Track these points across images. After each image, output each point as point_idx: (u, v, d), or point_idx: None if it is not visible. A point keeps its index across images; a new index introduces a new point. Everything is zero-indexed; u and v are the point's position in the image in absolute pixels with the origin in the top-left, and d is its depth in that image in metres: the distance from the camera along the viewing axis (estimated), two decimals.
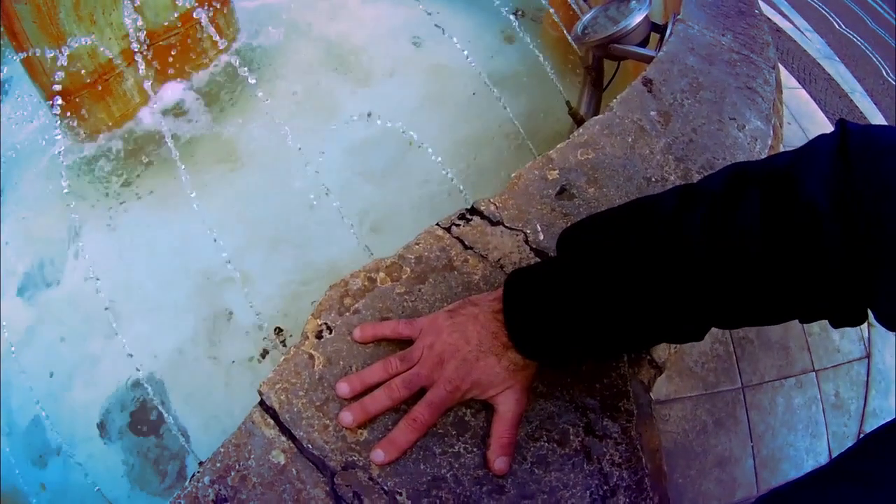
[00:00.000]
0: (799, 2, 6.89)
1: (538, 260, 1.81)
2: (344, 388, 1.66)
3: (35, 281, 3.37)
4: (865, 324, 3.64)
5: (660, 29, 2.85)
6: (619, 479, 1.60)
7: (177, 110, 3.92)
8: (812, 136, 4.08)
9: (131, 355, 2.69)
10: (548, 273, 1.52)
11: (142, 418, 2.96)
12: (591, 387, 1.69)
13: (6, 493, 2.73)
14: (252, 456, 1.62)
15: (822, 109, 5.22)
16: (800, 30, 6.64)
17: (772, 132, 2.35)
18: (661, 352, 1.87)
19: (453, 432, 1.63)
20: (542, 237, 1.90)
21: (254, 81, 3.33)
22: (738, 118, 2.32)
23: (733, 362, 3.31)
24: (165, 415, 2.86)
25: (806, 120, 4.92)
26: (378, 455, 1.58)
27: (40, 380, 3.00)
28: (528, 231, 1.92)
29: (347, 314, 1.79)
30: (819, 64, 6.13)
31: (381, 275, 1.84)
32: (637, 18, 2.77)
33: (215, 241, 2.79)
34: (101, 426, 2.95)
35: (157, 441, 2.98)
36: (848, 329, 3.76)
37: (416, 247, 1.88)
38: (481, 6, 3.90)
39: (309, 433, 1.63)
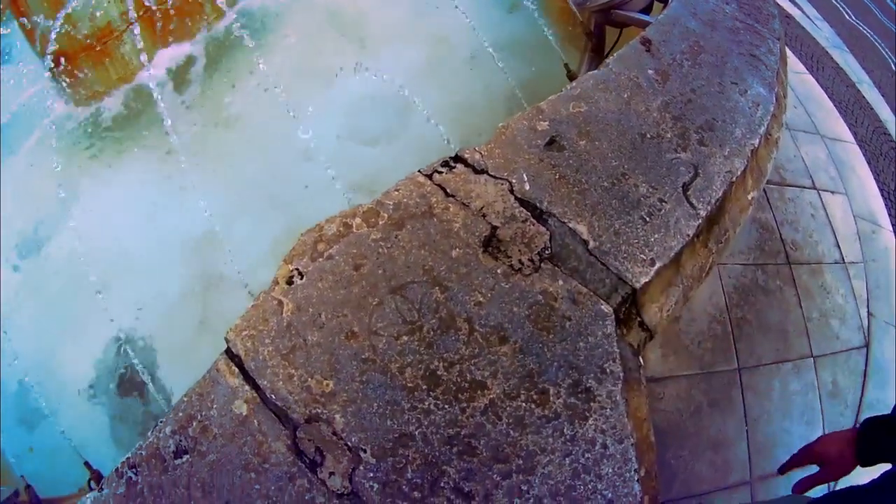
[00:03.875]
0: None
1: (521, 209, 1.65)
2: None
3: (28, 243, 3.28)
4: (865, 311, 3.51)
5: None
6: (602, 446, 1.47)
7: (175, 73, 3.78)
8: (818, 121, 3.94)
9: (112, 320, 2.64)
10: None
11: (128, 381, 2.85)
12: (576, 345, 1.53)
13: None
14: (214, 406, 1.52)
15: (829, 97, 5.07)
16: (809, 17, 6.46)
17: (774, 100, 2.24)
18: (653, 315, 1.72)
19: (423, 386, 1.49)
20: (528, 187, 1.77)
21: (252, 45, 3.18)
22: (740, 83, 2.20)
23: (731, 343, 3.18)
24: (152, 378, 2.75)
25: (813, 105, 4.77)
26: None
27: (28, 343, 2.89)
28: (514, 180, 1.79)
29: (321, 260, 1.67)
30: (827, 52, 5.95)
31: (358, 220, 1.72)
32: None
33: (205, 204, 2.68)
34: (88, 389, 2.87)
35: (143, 404, 2.87)
36: (848, 316, 3.64)
37: (395, 193, 1.76)
38: None
39: (273, 382, 1.52)
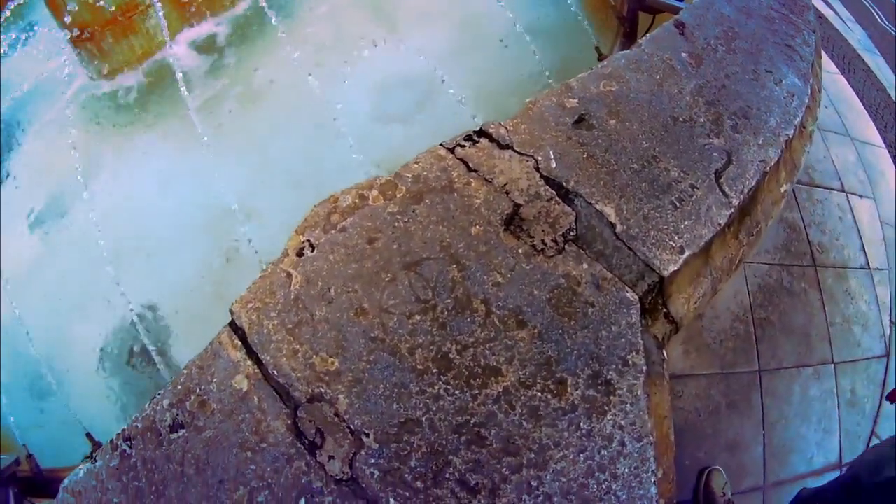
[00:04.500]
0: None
1: (546, 187, 1.52)
2: None
3: (45, 214, 3.19)
4: (888, 321, 3.36)
5: None
6: (620, 443, 1.35)
7: (201, 48, 3.68)
8: (849, 123, 3.77)
9: (126, 294, 2.58)
10: None
11: (140, 355, 2.77)
12: (598, 333, 1.40)
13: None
14: (214, 380, 1.43)
15: (860, 99, 4.88)
16: (842, 19, 6.25)
17: (809, 92, 2.12)
18: (680, 306, 1.60)
19: (434, 370, 1.37)
20: (554, 165, 1.66)
21: (278, 22, 3.06)
22: (775, 72, 2.09)
23: (752, 343, 3.04)
24: (164, 352, 2.71)
25: (843, 105, 4.60)
26: None
27: (41, 313, 2.83)
28: (540, 157, 1.67)
29: (333, 232, 1.57)
30: (859, 55, 5.76)
31: (374, 192, 1.62)
32: None
33: (226, 180, 2.63)
34: (99, 361, 2.77)
35: (153, 378, 2.77)
36: (871, 323, 3.49)
37: (415, 166, 1.65)
38: None
39: (276, 358, 1.42)
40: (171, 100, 3.30)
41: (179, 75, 2.91)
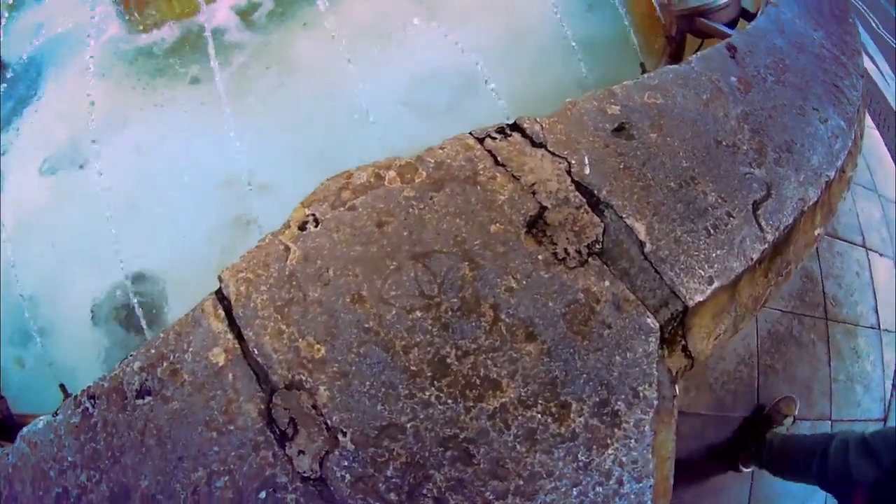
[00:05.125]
0: (885, 45, 6.32)
1: (577, 193, 1.37)
2: None
3: (60, 162, 3.07)
4: (890, 384, 3.21)
5: (750, 16, 2.52)
6: (617, 482, 1.21)
7: (240, 12, 3.52)
8: (878, 179, 3.60)
9: (128, 252, 2.45)
10: None
11: (132, 315, 2.64)
12: (611, 358, 1.24)
13: None
14: (191, 349, 1.31)
15: (892, 157, 4.71)
16: (882, 73, 6.07)
17: (853, 137, 1.99)
18: (699, 341, 1.45)
19: (428, 373, 1.22)
20: (588, 171, 1.52)
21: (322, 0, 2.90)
22: (821, 111, 1.94)
23: (754, 389, 2.89)
24: (157, 315, 2.56)
25: (874, 161, 4.42)
26: None
27: (40, 257, 2.72)
28: (574, 161, 1.52)
29: (342, 209, 1.42)
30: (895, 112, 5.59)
31: (392, 173, 1.47)
32: None
33: (246, 151, 2.50)
34: (93, 314, 2.64)
35: (142, 340, 2.63)
36: (873, 385, 3.33)
37: (439, 151, 1.51)
38: None
39: (260, 335, 1.29)
40: (201, 64, 3.16)
41: (210, 41, 2.76)
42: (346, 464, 1.17)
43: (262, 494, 1.18)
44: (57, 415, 1.34)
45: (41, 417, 1.36)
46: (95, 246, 2.61)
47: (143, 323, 2.36)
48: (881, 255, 3.74)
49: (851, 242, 3.63)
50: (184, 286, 2.64)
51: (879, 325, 3.51)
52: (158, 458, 1.24)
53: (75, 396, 1.34)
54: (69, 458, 1.29)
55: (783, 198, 1.62)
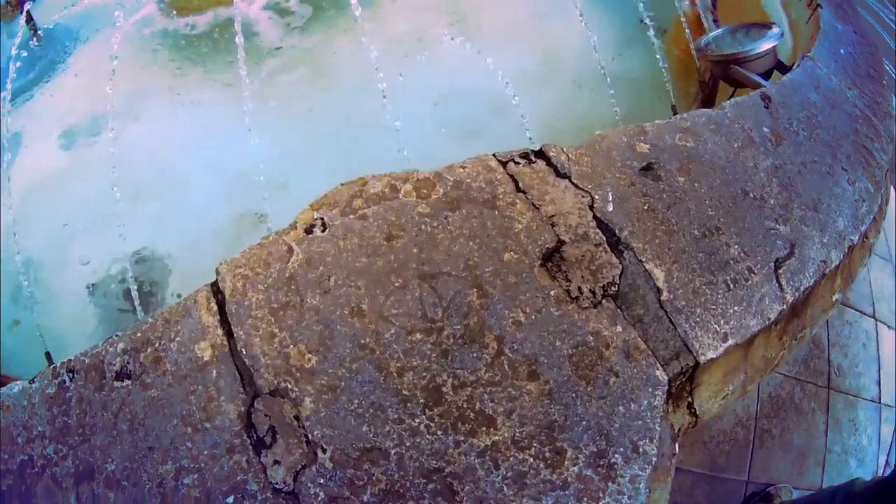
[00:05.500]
0: None
1: (597, 231, 1.30)
2: None
3: (78, 134, 3.04)
4: (884, 459, 3.10)
5: (785, 69, 2.44)
6: None
7: (272, 11, 3.48)
8: (893, 249, 3.50)
9: (136, 233, 2.44)
10: None
11: (131, 296, 2.57)
12: (614, 408, 1.15)
13: None
14: (177, 338, 1.25)
15: None
16: None
17: (879, 202, 1.90)
18: (705, 399, 1.39)
19: (421, 400, 1.14)
20: (611, 208, 1.44)
21: (357, 7, 2.84)
22: (850, 172, 1.86)
23: (748, 452, 2.78)
24: (155, 297, 2.52)
25: (892, 230, 4.33)
26: None
27: (51, 225, 2.70)
28: (598, 196, 1.45)
29: (352, 217, 1.35)
30: None
31: (408, 187, 1.40)
32: (765, 45, 2.38)
33: (266, 148, 2.46)
34: (90, 287, 2.60)
35: (137, 319, 2.57)
36: (867, 459, 3.24)
37: (460, 170, 1.44)
38: (605, 4, 3.43)
39: (250, 336, 1.22)
40: (230, 57, 3.13)
41: (240, 34, 2.71)
42: (321, 481, 1.10)
43: (230, 499, 1.11)
44: (34, 382, 1.29)
45: (18, 382, 1.31)
46: (102, 222, 2.57)
47: (138, 304, 2.29)
48: (890, 327, 3.64)
49: (861, 312, 3.53)
50: (185, 274, 2.61)
51: (880, 399, 3.42)
52: (128, 444, 1.18)
53: (54, 367, 1.29)
54: (39, 428, 1.24)
55: (806, 258, 1.55)
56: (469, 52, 2.95)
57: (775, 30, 2.42)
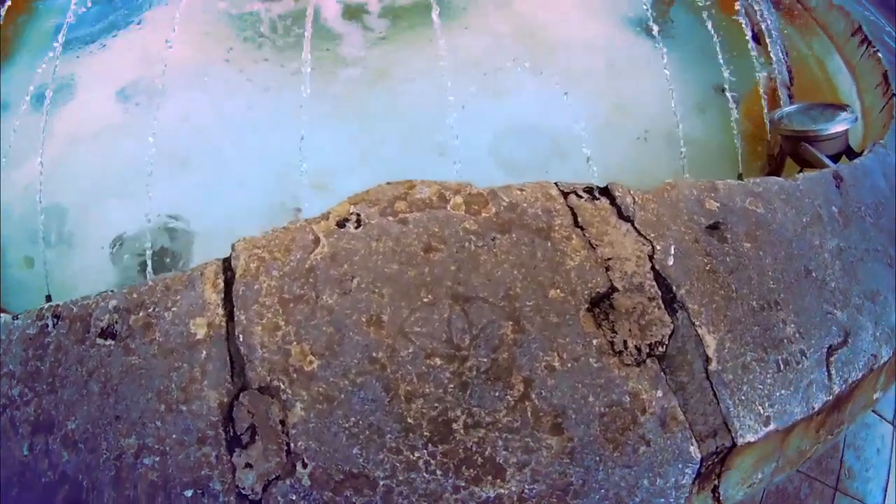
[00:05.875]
0: None
1: (653, 284, 1.21)
2: None
3: (131, 94, 2.96)
4: None
5: (853, 155, 2.34)
6: None
7: (347, 9, 3.41)
8: None
9: (170, 202, 2.38)
10: None
11: (154, 261, 2.50)
12: (638, 480, 1.00)
13: None
14: (174, 308, 1.15)
15: None
16: None
17: None
18: (733, 485, 1.27)
19: (426, 433, 1.00)
20: (671, 262, 1.30)
21: (435, 23, 2.75)
22: None
23: None
24: (174, 268, 2.43)
25: None
26: None
27: (88, 177, 2.63)
28: (659, 247, 1.31)
29: (391, 219, 1.21)
30: None
31: (459, 199, 1.26)
32: (837, 127, 2.27)
33: (319, 146, 2.36)
34: (113, 246, 2.53)
35: None
36: None
37: (517, 192, 1.31)
38: (684, 65, 3.36)
39: (251, 322, 1.10)
40: (297, 49, 3.07)
41: (310, 28, 2.65)
42: (293, 498, 0.99)
43: (189, 493, 1.02)
44: (17, 318, 1.22)
45: (3, 314, 1.26)
46: (139, 184, 2.52)
47: (150, 272, 2.26)
48: None
49: (881, 417, 3.38)
50: (207, 251, 2.54)
51: None
52: (95, 407, 1.10)
53: (41, 308, 1.22)
54: (10, 366, 1.18)
55: (857, 349, 1.44)
56: (541, 88, 2.91)
57: (850, 113, 2.34)
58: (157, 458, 1.03)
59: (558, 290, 1.16)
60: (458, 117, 2.38)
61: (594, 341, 1.13)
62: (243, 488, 0.99)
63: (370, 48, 3.18)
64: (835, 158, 2.29)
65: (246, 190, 2.60)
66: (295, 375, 1.03)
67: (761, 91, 2.77)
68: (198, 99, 2.81)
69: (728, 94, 2.66)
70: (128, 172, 2.55)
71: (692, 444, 1.13)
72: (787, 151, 2.48)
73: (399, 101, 2.92)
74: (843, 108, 2.37)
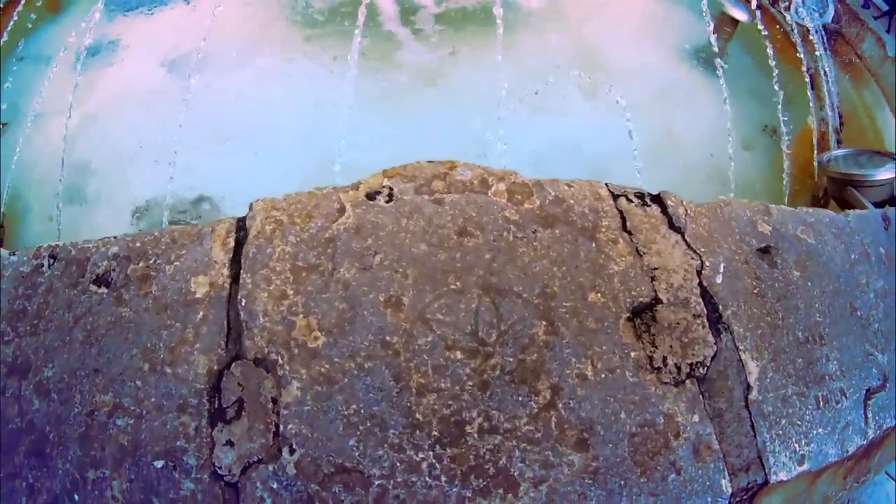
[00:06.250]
0: None
1: (699, 300, 1.12)
2: None
3: (177, 64, 2.96)
4: None
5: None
6: None
7: (409, 12, 3.36)
8: None
9: (189, 172, 2.37)
10: None
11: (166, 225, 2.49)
12: None
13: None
14: (176, 262, 1.06)
15: None
16: None
17: None
18: None
19: (435, 433, 0.90)
20: (720, 280, 1.20)
21: (497, 26, 2.69)
22: None
23: None
24: None
25: None
26: None
27: (122, 142, 2.62)
28: (709, 263, 1.21)
29: (426, 197, 1.11)
30: None
31: (502, 186, 1.15)
32: (884, 174, 2.26)
33: (355, 143, 2.27)
34: (139, 211, 2.53)
35: None
36: None
37: (565, 188, 1.19)
38: (739, 101, 3.27)
39: (257, 287, 0.99)
40: (345, 37, 3.03)
41: (362, 24, 2.59)
42: (273, 486, 0.89)
43: (159, 464, 0.95)
44: (13, 255, 1.16)
45: (3, 249, 1.20)
46: (172, 151, 2.50)
47: None
48: None
49: (888, 475, 3.25)
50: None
51: None
52: (75, 357, 1.03)
53: (39, 247, 1.16)
54: None
55: (893, 396, 1.38)
56: (593, 108, 2.89)
57: None
58: (132, 421, 0.95)
59: (599, 294, 1.05)
60: (504, 128, 2.33)
61: (632, 354, 1.02)
62: (220, 467, 0.90)
63: (423, 50, 3.14)
64: (878, 206, 2.26)
65: (278, 171, 2.57)
66: (296, 350, 0.92)
67: (813, 130, 2.74)
68: (244, 76, 2.80)
69: (783, 135, 2.64)
70: (162, 139, 2.56)
71: (724, 478, 1.04)
72: (832, 194, 2.43)
73: (446, 105, 2.88)
74: (890, 156, 2.36)
